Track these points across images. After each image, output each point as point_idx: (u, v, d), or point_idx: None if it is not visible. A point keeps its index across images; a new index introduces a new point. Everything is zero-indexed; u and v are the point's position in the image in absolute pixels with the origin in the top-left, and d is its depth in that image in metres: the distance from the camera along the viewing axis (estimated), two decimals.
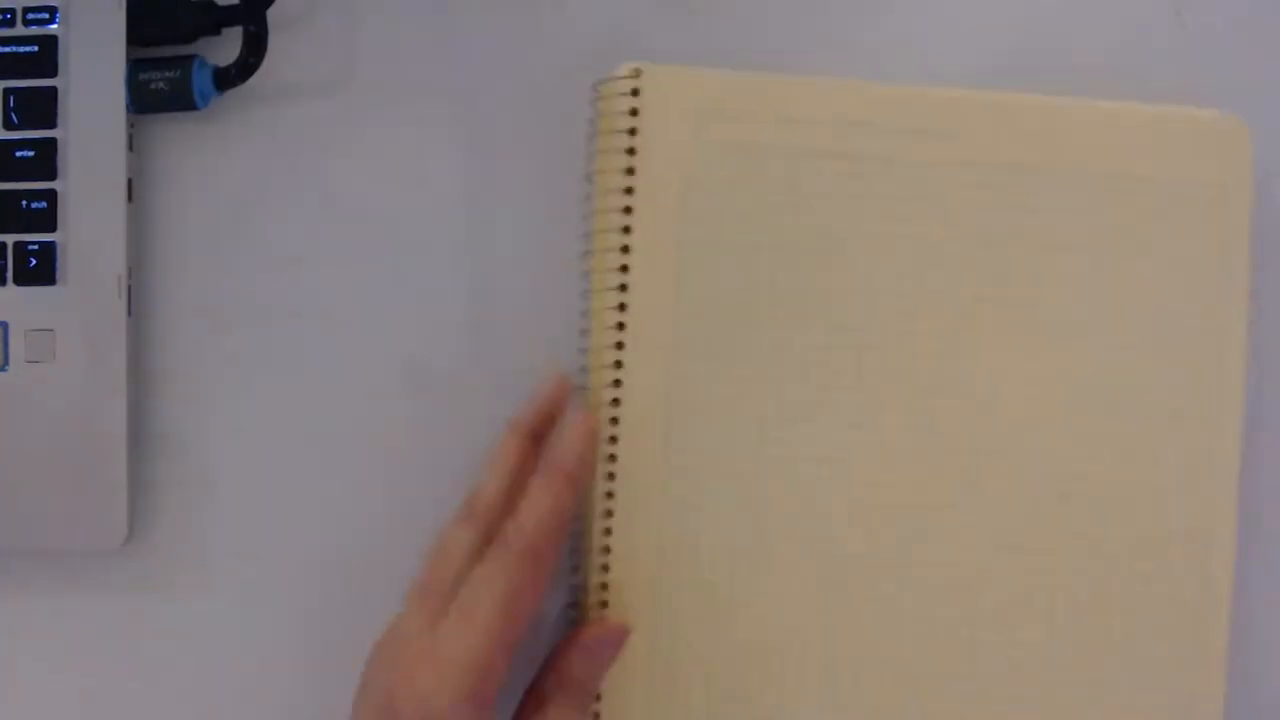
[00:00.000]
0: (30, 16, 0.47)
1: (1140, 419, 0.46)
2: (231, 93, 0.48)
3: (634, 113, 0.45)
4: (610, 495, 0.45)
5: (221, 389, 0.49)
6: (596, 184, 0.46)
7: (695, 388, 0.46)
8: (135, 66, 0.48)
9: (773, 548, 0.46)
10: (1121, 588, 0.46)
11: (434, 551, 0.44)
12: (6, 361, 0.47)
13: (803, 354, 0.46)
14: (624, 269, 0.45)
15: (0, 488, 0.47)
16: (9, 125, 0.47)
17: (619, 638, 0.45)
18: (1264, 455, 0.47)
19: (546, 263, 0.49)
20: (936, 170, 0.46)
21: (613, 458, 0.45)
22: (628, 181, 0.45)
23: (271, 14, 0.48)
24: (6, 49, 0.47)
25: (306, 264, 0.49)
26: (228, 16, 0.48)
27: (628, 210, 0.45)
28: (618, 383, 0.45)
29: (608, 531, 0.45)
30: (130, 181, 0.48)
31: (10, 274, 0.47)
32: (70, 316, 0.47)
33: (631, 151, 0.45)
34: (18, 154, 0.47)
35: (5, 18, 0.47)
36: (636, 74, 0.45)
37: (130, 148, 0.48)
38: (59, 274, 0.47)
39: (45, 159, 0.47)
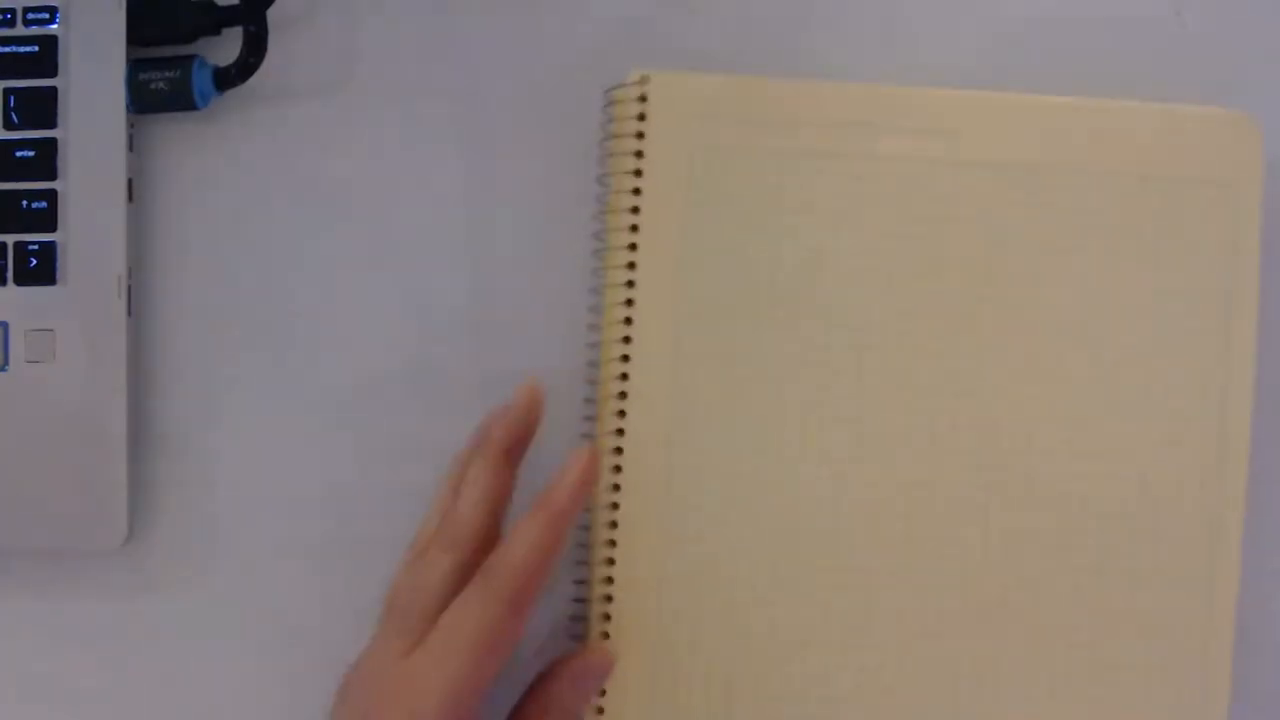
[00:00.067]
0: (30, 16, 0.47)
1: (1145, 420, 0.46)
2: (231, 93, 0.48)
3: (641, 117, 0.46)
4: (616, 488, 0.45)
5: (221, 389, 0.49)
6: (607, 188, 0.46)
7: (698, 386, 0.46)
8: (135, 66, 0.48)
9: (774, 547, 0.46)
10: (1127, 587, 0.46)
11: (408, 576, 0.43)
12: (6, 361, 0.47)
13: (803, 354, 0.46)
14: (631, 266, 0.46)
15: (0, 488, 0.47)
16: (9, 125, 0.47)
17: (604, 669, 0.44)
18: (1272, 456, 0.47)
19: (546, 263, 0.49)
20: (938, 170, 0.46)
21: (618, 450, 0.45)
22: (635, 183, 0.46)
23: (271, 14, 0.48)
24: (6, 49, 0.47)
25: (307, 264, 0.49)
26: (228, 16, 0.48)
27: (635, 210, 0.46)
28: (625, 376, 0.45)
29: (613, 525, 0.45)
30: (130, 181, 0.48)
31: (10, 274, 0.47)
32: (70, 316, 0.47)
33: (639, 155, 0.46)
34: (18, 154, 0.47)
35: (5, 18, 0.47)
36: (644, 81, 0.46)
37: (130, 148, 0.48)
38: (59, 274, 0.47)
39: (45, 159, 0.47)
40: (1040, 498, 0.46)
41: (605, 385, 0.46)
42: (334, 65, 0.50)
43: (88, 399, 0.47)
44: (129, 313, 0.47)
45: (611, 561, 0.45)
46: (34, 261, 0.47)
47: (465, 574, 0.42)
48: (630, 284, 0.46)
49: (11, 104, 0.47)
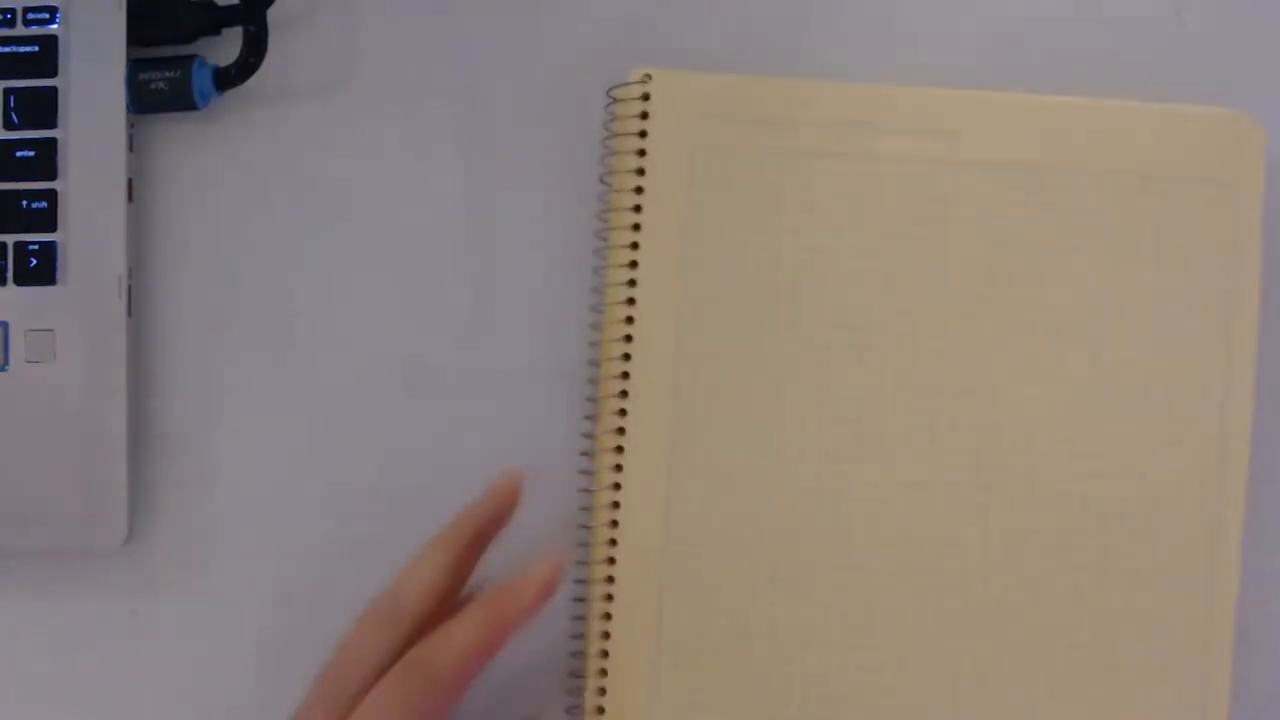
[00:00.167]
0: (30, 16, 0.47)
1: (1145, 420, 0.46)
2: (231, 93, 0.48)
3: (644, 116, 0.46)
4: (616, 487, 0.45)
5: (221, 389, 0.49)
6: (609, 187, 0.46)
7: (698, 385, 0.46)
8: (135, 66, 0.48)
9: (774, 547, 0.46)
10: (1127, 587, 0.46)
11: (342, 650, 0.42)
12: (6, 361, 0.47)
13: (803, 354, 0.46)
14: (632, 265, 0.46)
15: (0, 488, 0.47)
16: (9, 125, 0.47)
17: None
18: (1272, 456, 0.47)
19: (547, 263, 0.49)
20: (938, 170, 0.46)
21: (619, 450, 0.45)
22: (637, 182, 0.46)
23: (271, 14, 0.48)
24: (6, 49, 0.47)
25: (306, 264, 0.49)
26: (228, 16, 0.48)
27: (637, 209, 0.46)
28: (625, 376, 0.45)
29: (613, 524, 0.45)
30: (130, 181, 0.48)
31: (10, 274, 0.47)
32: (70, 316, 0.47)
33: (641, 154, 0.46)
34: (18, 154, 0.47)
35: (5, 18, 0.47)
36: (646, 79, 0.46)
37: (130, 148, 0.48)
38: (59, 274, 0.47)
39: (45, 159, 0.47)
40: (1040, 498, 0.46)
41: (605, 385, 0.46)
42: (334, 65, 0.50)
43: (88, 399, 0.47)
44: (129, 313, 0.47)
45: (612, 561, 0.45)
46: (34, 261, 0.47)
47: (399, 653, 0.40)
48: (631, 283, 0.46)
49: (11, 104, 0.47)
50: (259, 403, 0.49)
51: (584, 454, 0.47)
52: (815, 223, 0.46)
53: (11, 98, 0.47)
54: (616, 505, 0.45)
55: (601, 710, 0.45)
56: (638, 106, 0.46)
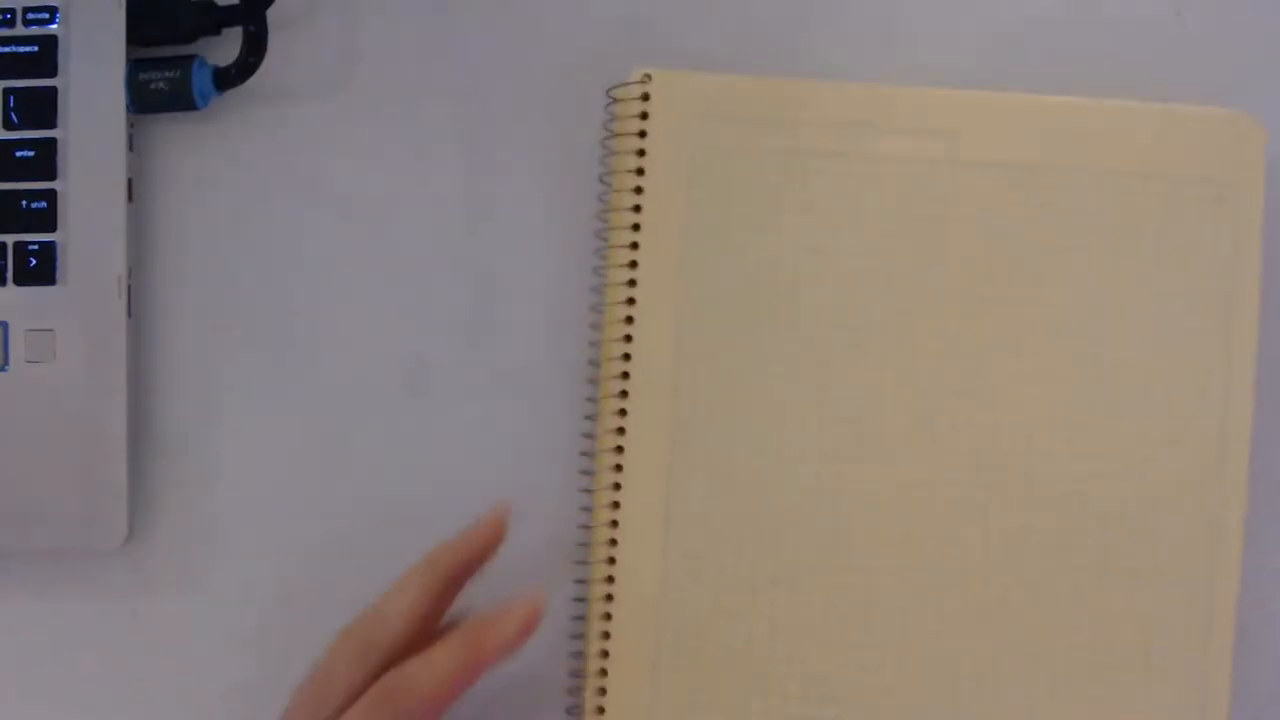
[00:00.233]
0: (30, 16, 0.47)
1: (1145, 420, 0.46)
2: (231, 93, 0.48)
3: (644, 116, 0.46)
4: (616, 487, 0.45)
5: (221, 389, 0.49)
6: (609, 187, 0.47)
7: (698, 386, 0.46)
8: (135, 66, 0.48)
9: (774, 547, 0.46)
10: (1127, 587, 0.46)
11: (320, 668, 0.41)
12: (6, 361, 0.47)
13: (803, 354, 0.46)
14: (632, 265, 0.46)
15: (0, 488, 0.47)
16: (9, 125, 0.47)
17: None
18: (1272, 456, 0.47)
19: (546, 262, 0.49)
20: (938, 170, 0.46)
21: (619, 450, 0.45)
22: (637, 182, 0.46)
23: (271, 14, 0.48)
24: (6, 49, 0.47)
25: (306, 264, 0.49)
26: (228, 16, 0.48)
27: (636, 209, 0.46)
28: (625, 376, 0.46)
29: (614, 524, 0.45)
30: (130, 181, 0.48)
31: (10, 274, 0.47)
32: (70, 316, 0.47)
33: (641, 154, 0.46)
34: (18, 154, 0.47)
35: (5, 18, 0.47)
36: (646, 79, 0.46)
37: (130, 148, 0.48)
38: (59, 274, 0.47)
39: (45, 159, 0.47)
40: (1040, 498, 0.46)
41: (605, 385, 0.46)
42: (334, 65, 0.50)
43: (88, 399, 0.47)
44: (129, 313, 0.47)
45: (612, 561, 0.45)
46: (34, 261, 0.47)
47: (375, 676, 0.40)
48: (631, 283, 0.46)
49: (11, 104, 0.47)
50: (259, 403, 0.49)
51: (584, 454, 0.47)
52: (815, 223, 0.46)
53: (11, 98, 0.47)
54: (616, 505, 0.45)
55: (601, 710, 0.45)
56: (637, 106, 0.46)
